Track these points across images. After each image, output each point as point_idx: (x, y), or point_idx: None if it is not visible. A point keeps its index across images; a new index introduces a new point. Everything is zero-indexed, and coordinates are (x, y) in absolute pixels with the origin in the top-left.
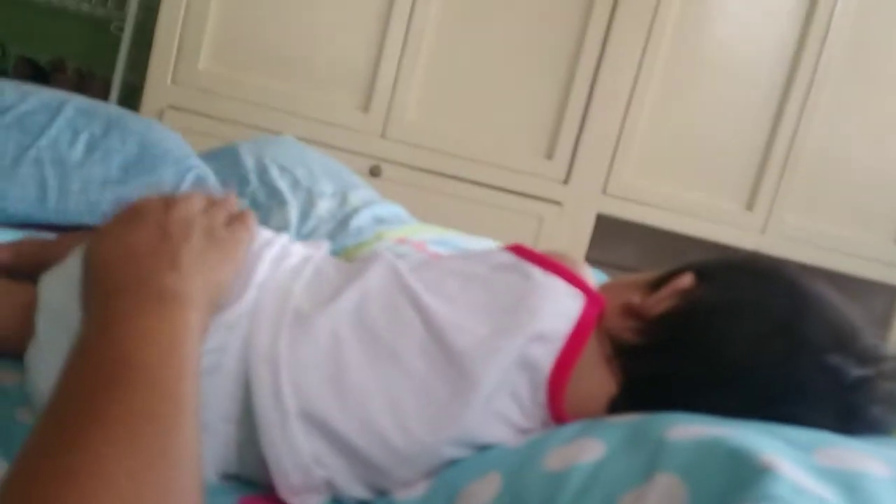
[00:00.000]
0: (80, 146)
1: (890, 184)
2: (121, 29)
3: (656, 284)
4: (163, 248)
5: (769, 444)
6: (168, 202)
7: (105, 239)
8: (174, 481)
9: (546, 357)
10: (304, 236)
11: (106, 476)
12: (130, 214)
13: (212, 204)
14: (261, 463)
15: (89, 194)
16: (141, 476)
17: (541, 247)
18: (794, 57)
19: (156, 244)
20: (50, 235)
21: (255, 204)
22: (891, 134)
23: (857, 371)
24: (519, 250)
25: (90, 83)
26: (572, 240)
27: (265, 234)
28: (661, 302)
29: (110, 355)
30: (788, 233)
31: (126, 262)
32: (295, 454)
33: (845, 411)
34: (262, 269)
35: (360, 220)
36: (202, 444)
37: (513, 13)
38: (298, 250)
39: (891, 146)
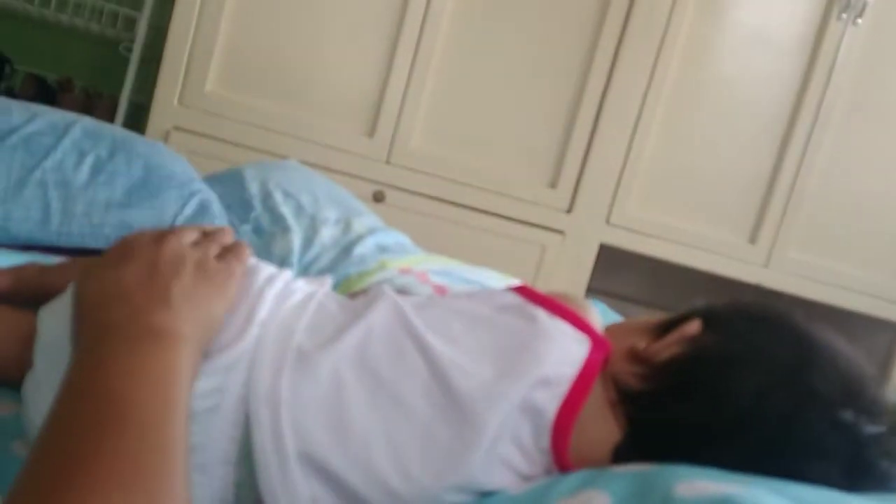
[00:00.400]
0: (85, 168)
1: (894, 221)
2: (129, 49)
3: (663, 329)
4: (153, 285)
5: (779, 503)
6: (158, 237)
7: (95, 276)
8: None
9: (550, 402)
10: (307, 263)
11: None
12: (120, 251)
13: (204, 237)
14: None
15: (92, 217)
16: None
17: (543, 275)
18: (799, 92)
19: (146, 280)
20: (53, 258)
21: (258, 230)
22: (894, 170)
23: (865, 423)
24: (525, 291)
25: (97, 102)
26: (574, 269)
27: (267, 270)
28: (667, 348)
29: (100, 394)
30: (791, 267)
31: (116, 300)
32: (294, 497)
33: (853, 465)
34: (265, 308)
35: (364, 248)
36: (200, 486)
37: (519, 42)
38: (302, 287)
39: (894, 182)
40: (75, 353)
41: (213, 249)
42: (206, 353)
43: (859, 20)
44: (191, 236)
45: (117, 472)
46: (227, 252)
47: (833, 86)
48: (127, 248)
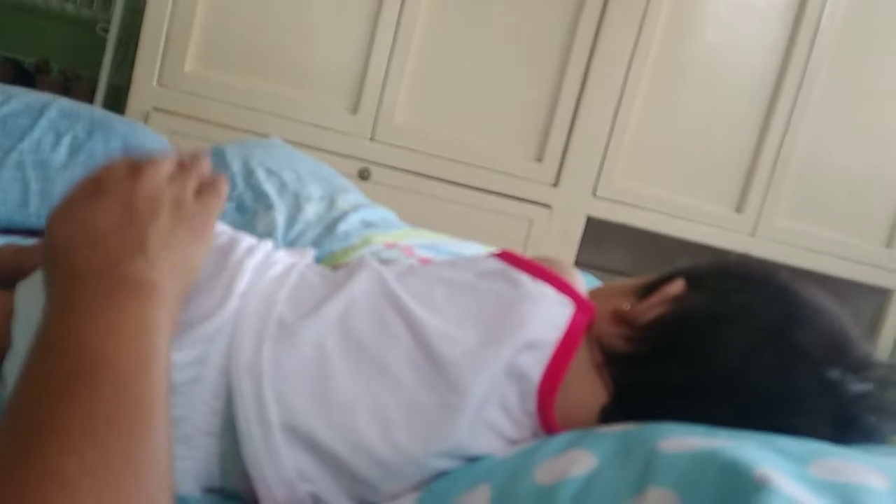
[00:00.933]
0: (63, 149)
1: (879, 186)
2: (106, 30)
3: (647, 290)
4: (129, 229)
5: (764, 456)
6: (134, 171)
7: (66, 217)
8: (140, 492)
9: (535, 366)
10: (291, 240)
11: (64, 490)
12: (93, 187)
13: (181, 169)
14: (244, 476)
15: None
16: (103, 488)
17: (530, 250)
18: (783, 60)
19: (121, 224)
20: (32, 241)
21: (241, 207)
22: (880, 137)
23: (851, 380)
24: (507, 256)
25: (75, 85)
26: (562, 242)
27: (248, 240)
28: (651, 308)
29: (72, 350)
30: (778, 235)
31: (89, 245)
32: (279, 468)
33: (840, 420)
34: (245, 278)
35: (348, 224)
36: (184, 459)
37: (502, 16)
38: (283, 258)
39: (879, 149)
40: (47, 304)
41: (191, 185)
42: (185, 324)
43: None
44: (166, 169)
45: (91, 430)
46: (206, 189)
47: (817, 52)
48: (99, 183)
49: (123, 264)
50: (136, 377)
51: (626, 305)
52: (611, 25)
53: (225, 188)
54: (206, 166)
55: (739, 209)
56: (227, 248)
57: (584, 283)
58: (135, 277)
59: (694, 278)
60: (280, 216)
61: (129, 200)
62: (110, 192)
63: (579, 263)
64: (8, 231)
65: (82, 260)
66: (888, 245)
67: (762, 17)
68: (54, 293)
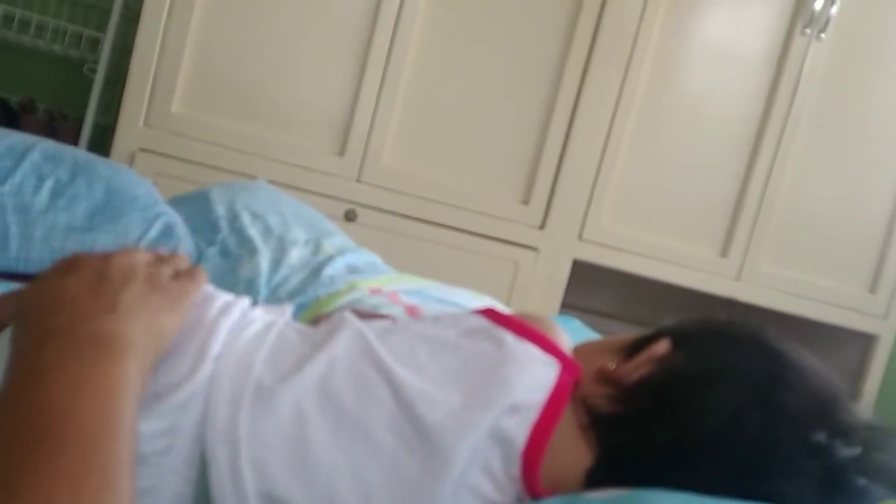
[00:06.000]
0: (44, 192)
1: (863, 231)
2: (93, 71)
3: (632, 349)
4: (100, 292)
5: None
6: (108, 253)
7: (40, 284)
8: None
9: (520, 429)
10: (275, 286)
11: None
12: (67, 263)
13: (157, 259)
14: None
15: (52, 242)
16: None
17: (517, 292)
18: (766, 106)
19: (92, 287)
20: (12, 286)
21: (225, 252)
22: (863, 182)
23: (838, 443)
24: (491, 314)
25: (61, 124)
26: (548, 285)
27: (223, 298)
28: (637, 368)
29: (37, 408)
30: (763, 280)
31: (60, 306)
32: None
33: (827, 485)
34: (219, 341)
35: (334, 268)
36: None
37: (489, 58)
38: (260, 316)
39: (863, 194)
40: (10, 365)
41: (167, 270)
42: (154, 394)
43: (823, 35)
44: (142, 256)
45: (55, 498)
46: (181, 275)
47: (799, 99)
48: (74, 260)
49: (93, 319)
50: (102, 440)
51: (611, 365)
52: (597, 70)
53: (203, 277)
54: (184, 260)
55: (724, 253)
56: (201, 307)
57: (568, 340)
58: (105, 332)
59: (680, 337)
60: (264, 261)
61: (101, 271)
62: (84, 266)
63: (565, 306)
64: None
65: (52, 319)
66: (872, 290)
67: (745, 64)
68: (19, 353)
